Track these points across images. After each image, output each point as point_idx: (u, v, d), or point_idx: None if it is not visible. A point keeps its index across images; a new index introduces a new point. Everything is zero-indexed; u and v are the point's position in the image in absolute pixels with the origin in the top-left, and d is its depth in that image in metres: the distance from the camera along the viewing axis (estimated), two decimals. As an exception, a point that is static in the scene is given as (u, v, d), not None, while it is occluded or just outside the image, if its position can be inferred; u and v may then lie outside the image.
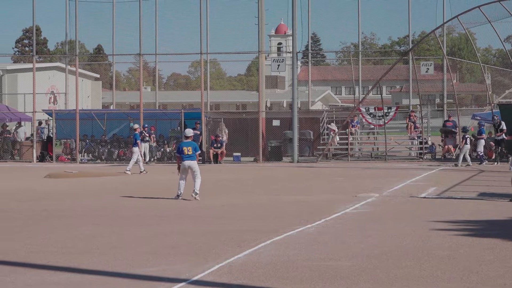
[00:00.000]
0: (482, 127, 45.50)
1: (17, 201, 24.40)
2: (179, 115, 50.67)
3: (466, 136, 42.56)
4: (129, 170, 37.12)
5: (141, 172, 37.06)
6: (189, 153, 23.98)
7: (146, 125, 47.63)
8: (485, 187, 27.41)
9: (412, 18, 54.18)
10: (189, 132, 25.06)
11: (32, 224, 18.70)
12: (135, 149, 38.07)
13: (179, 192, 24.13)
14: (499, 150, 42.94)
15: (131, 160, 38.17)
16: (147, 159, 46.05)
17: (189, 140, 24.57)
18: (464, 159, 41.43)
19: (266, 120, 49.72)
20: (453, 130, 48.13)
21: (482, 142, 43.32)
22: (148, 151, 46.75)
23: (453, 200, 23.58)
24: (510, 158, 40.98)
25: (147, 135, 46.42)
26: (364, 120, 51.03)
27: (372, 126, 51.55)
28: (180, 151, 24.28)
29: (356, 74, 56.96)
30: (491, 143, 44.93)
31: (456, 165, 40.54)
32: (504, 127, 42.56)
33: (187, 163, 23.94)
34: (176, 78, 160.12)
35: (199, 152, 24.71)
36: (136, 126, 40.69)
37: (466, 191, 26.02)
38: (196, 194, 23.85)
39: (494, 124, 43.81)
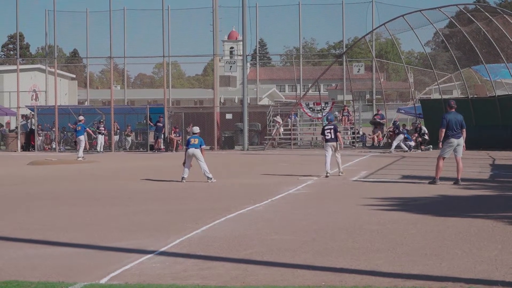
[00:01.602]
0: (397, 122, 45.75)
1: (2, 186, 24.14)
2: (145, 110, 50.65)
3: (398, 126, 43.00)
4: (81, 157, 37.05)
5: (78, 158, 36.99)
6: (194, 143, 24.36)
7: (102, 119, 47.56)
8: (408, 171, 27.60)
9: (346, 25, 54.55)
10: (196, 129, 25.51)
11: (16, 205, 18.50)
12: (81, 137, 38.07)
13: (184, 176, 24.30)
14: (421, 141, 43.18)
15: (80, 148, 38.09)
16: (101, 148, 46.36)
17: (196, 135, 24.89)
18: (399, 147, 41.76)
19: (220, 114, 49.79)
20: (380, 122, 48.50)
21: (401, 136, 43.47)
22: (102, 141, 46.90)
23: (381, 181, 23.70)
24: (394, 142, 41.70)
25: (103, 128, 46.36)
26: (304, 113, 51.21)
27: (311, 119, 51.77)
28: (187, 143, 24.87)
29: (298, 74, 57.13)
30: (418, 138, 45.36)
31: (390, 152, 40.82)
32: (426, 131, 42.84)
33: (191, 151, 24.32)
34: (142, 77, 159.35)
35: (204, 146, 24.84)
36: (81, 117, 40.50)
37: (392, 174, 26.19)
38: (209, 178, 23.99)
39: (415, 127, 44.29)
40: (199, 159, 24.19)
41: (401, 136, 42.24)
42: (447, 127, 21.91)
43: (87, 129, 38.33)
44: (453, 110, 22.30)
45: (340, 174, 25.66)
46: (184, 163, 24.57)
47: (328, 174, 25.34)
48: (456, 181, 21.91)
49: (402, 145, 41.99)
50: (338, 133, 26.14)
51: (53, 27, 53.04)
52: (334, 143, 25.98)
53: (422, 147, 42.81)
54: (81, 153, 37.71)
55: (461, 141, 22.02)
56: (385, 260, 10.59)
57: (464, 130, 22.24)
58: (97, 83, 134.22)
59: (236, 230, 13.64)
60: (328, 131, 26.06)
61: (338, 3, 55.03)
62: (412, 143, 42.78)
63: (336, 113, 52.27)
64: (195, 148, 24.32)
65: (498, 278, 9.40)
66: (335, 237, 12.60)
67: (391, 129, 45.73)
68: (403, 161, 34.19)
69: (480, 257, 10.71)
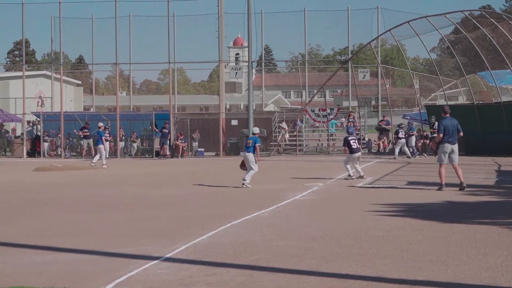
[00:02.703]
0: (412, 125, 45.83)
1: (8, 192, 24.18)
2: (150, 116, 50.62)
3: (400, 131, 42.87)
4: (105, 165, 36.98)
5: (102, 165, 36.87)
6: (248, 145, 24.61)
7: (107, 126, 47.53)
8: (414, 177, 27.57)
9: (351, 32, 54.54)
10: (256, 130, 25.97)
11: (21, 211, 18.52)
12: (100, 146, 37.93)
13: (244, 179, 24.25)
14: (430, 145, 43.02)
15: (97, 155, 37.94)
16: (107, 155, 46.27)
17: (255, 136, 25.15)
18: (403, 152, 41.71)
19: (226, 120, 49.84)
20: (386, 128, 48.49)
21: (413, 138, 43.61)
22: (107, 147, 46.82)
23: (387, 187, 23.68)
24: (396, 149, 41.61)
25: (108, 134, 46.32)
26: (311, 119, 51.18)
27: (317, 124, 51.77)
28: (245, 143, 25.31)
29: (303, 80, 57.13)
30: (424, 140, 45.22)
31: (395, 158, 40.76)
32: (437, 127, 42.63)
33: (243, 153, 24.98)
34: (148, 84, 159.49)
35: (259, 144, 24.90)
36: (100, 124, 40.46)
37: (398, 180, 26.15)
38: (244, 181, 24.05)
39: (430, 123, 43.99)
40: (249, 164, 24.40)
41: (402, 141, 42.16)
42: (443, 133, 22.10)
43: (102, 137, 38.24)
44: (448, 115, 22.43)
45: (363, 177, 26.72)
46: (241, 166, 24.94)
47: (352, 176, 26.44)
48: (460, 185, 21.99)
49: (406, 149, 41.91)
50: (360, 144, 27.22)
51: (59, 34, 53.17)
52: (360, 154, 27.60)
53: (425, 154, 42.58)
54: (95, 159, 37.61)
55: (456, 147, 22.15)
56: (390, 266, 10.58)
57: (461, 133, 22.43)
58: (102, 90, 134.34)
59: (241, 236, 13.63)
60: (354, 141, 27.25)
61: (343, 10, 55.18)
62: (413, 149, 42.66)
63: (343, 119, 52.30)
64: (247, 152, 24.58)
65: (504, 284, 9.40)
66: (341, 243, 12.60)
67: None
68: (408, 167, 34.15)
69: (486, 263, 10.69)
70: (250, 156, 24.31)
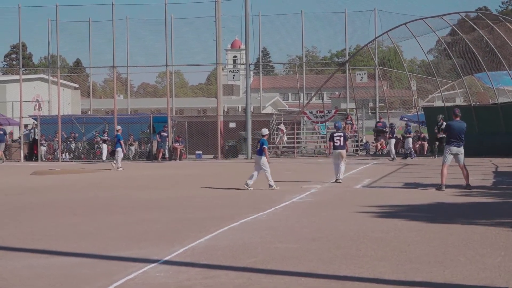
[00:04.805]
0: (409, 127, 45.88)
1: (6, 195, 24.18)
2: (148, 119, 50.63)
3: (393, 131, 42.94)
4: (120, 167, 36.97)
5: (118, 168, 36.84)
6: (258, 148, 24.60)
7: (105, 129, 47.47)
8: (411, 178, 27.58)
9: (348, 34, 54.50)
10: (265, 131, 25.57)
11: (19, 214, 18.51)
12: (119, 149, 37.87)
13: (248, 181, 24.17)
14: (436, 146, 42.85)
15: (118, 158, 37.83)
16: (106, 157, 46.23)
17: (264, 138, 24.90)
18: (389, 152, 41.73)
19: (224, 122, 49.84)
20: (383, 129, 48.54)
21: (410, 140, 43.65)
22: (106, 150, 46.72)
23: (385, 189, 23.71)
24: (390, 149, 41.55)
25: (107, 138, 46.24)
26: (309, 120, 51.15)
27: (315, 125, 51.78)
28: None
29: (301, 82, 57.09)
30: (422, 142, 45.26)
31: (393, 159, 40.74)
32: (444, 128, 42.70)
33: (254, 157, 24.70)
34: (145, 87, 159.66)
35: (266, 146, 24.78)
36: (118, 127, 40.39)
37: (395, 182, 26.19)
38: (246, 184, 24.03)
39: (437, 123, 43.86)
40: (259, 166, 24.30)
41: (393, 141, 42.20)
42: (450, 135, 22.35)
43: (121, 140, 38.29)
44: (458, 118, 22.61)
45: (339, 181, 25.64)
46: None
47: (339, 180, 25.62)
48: (467, 186, 22.47)
49: (392, 148, 41.64)
50: (346, 141, 26.33)
51: (55, 37, 53.13)
52: (342, 151, 26.02)
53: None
54: (119, 163, 37.57)
55: (461, 149, 22.42)
56: (388, 267, 10.60)
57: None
58: (100, 93, 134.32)
59: (240, 238, 13.65)
60: (338, 138, 26.06)
61: (340, 12, 55.05)
62: (412, 152, 42.75)
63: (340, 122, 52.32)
64: (258, 155, 24.53)
65: (501, 284, 9.43)
66: (339, 245, 12.61)
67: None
68: (406, 168, 34.17)
69: (483, 264, 10.72)
70: (260, 159, 24.24)
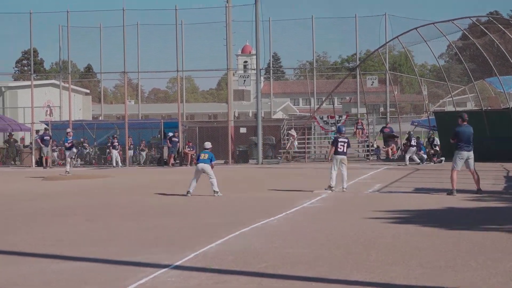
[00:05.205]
0: (412, 136, 45.74)
1: (17, 201, 24.24)
2: (159, 124, 50.71)
3: (411, 139, 42.90)
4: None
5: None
6: (204, 158, 24.43)
7: (115, 134, 47.58)
8: (422, 183, 27.56)
9: (359, 38, 54.55)
10: (208, 144, 25.40)
11: (31, 220, 18.56)
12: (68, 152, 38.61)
13: (189, 190, 24.27)
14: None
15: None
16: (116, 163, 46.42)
17: (207, 150, 24.82)
18: (412, 159, 41.77)
19: (234, 128, 49.84)
20: (394, 134, 48.51)
21: (412, 149, 43.19)
22: (117, 156, 46.92)
23: (395, 194, 23.69)
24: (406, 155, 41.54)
25: (117, 143, 46.36)
26: (319, 126, 51.14)
27: (326, 132, 51.74)
28: (197, 157, 25.35)
29: (311, 88, 57.14)
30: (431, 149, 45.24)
31: (405, 164, 40.78)
32: (438, 143, 43.15)
33: (200, 165, 24.34)
34: (156, 92, 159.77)
35: (215, 161, 25.06)
36: (68, 129, 40.55)
37: (406, 187, 26.15)
38: (216, 192, 24.07)
39: (429, 138, 44.17)
40: (209, 174, 24.21)
41: (413, 149, 42.26)
42: (460, 140, 22.33)
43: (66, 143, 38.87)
44: (465, 123, 22.58)
45: (344, 190, 24.65)
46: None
47: (332, 189, 24.69)
48: (478, 190, 22.46)
49: (415, 157, 42.05)
50: (348, 148, 25.55)
51: (67, 43, 53.37)
52: (344, 158, 25.10)
53: (435, 159, 42.89)
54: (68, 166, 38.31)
55: (471, 154, 22.40)
56: (399, 272, 10.59)
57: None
58: (111, 98, 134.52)
59: (250, 244, 13.65)
60: (342, 144, 25.06)
61: (351, 17, 55.17)
62: (425, 156, 42.85)
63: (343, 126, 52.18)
64: (205, 163, 24.32)
65: (513, 290, 9.41)
66: (350, 250, 12.61)
67: (405, 142, 45.68)
68: (417, 173, 34.13)
69: (495, 269, 10.70)
70: (207, 167, 24.31)
